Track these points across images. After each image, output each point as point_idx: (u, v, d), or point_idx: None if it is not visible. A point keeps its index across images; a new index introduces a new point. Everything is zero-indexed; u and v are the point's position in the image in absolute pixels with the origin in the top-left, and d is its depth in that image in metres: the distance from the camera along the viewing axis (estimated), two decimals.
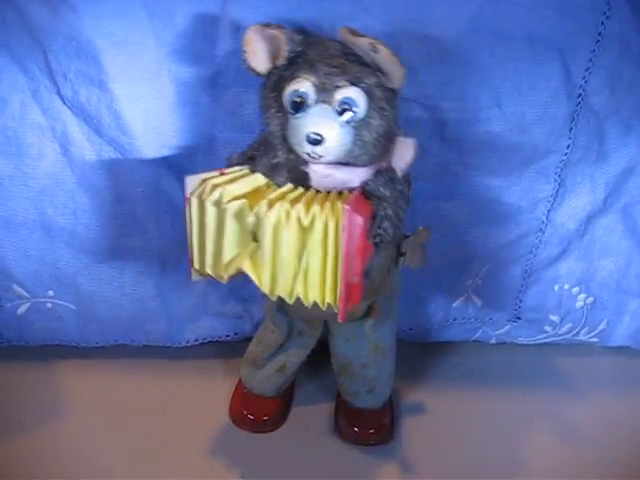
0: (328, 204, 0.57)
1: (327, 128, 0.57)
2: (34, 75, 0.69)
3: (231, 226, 0.59)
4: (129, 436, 0.78)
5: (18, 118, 0.71)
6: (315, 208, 0.57)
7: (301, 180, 0.61)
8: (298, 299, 0.61)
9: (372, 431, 0.79)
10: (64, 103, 0.71)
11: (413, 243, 0.67)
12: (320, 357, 0.78)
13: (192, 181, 0.61)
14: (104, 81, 0.69)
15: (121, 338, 0.85)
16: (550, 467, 0.79)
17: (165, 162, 0.74)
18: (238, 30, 0.67)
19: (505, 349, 0.93)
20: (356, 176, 0.61)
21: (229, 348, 0.88)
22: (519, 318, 0.90)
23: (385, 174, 0.61)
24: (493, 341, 0.93)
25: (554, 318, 0.90)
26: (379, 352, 0.76)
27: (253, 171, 0.63)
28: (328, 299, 0.60)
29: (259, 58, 0.59)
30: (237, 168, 0.63)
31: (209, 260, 0.62)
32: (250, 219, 0.58)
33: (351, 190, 0.60)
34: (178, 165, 0.74)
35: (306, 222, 0.57)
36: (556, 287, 0.87)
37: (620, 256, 0.86)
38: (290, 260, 0.58)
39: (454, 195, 0.79)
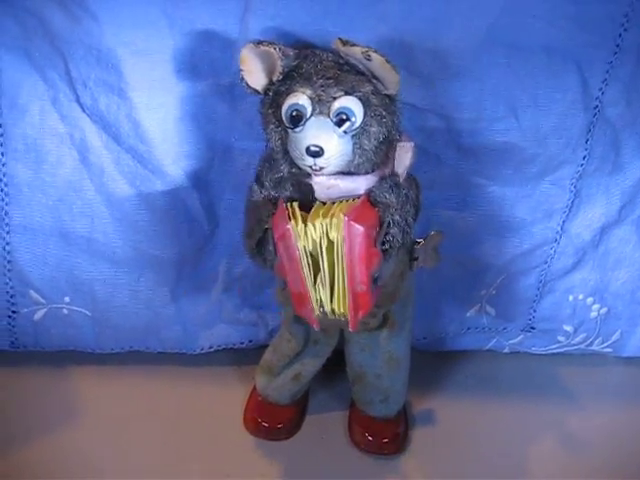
0: (328, 217, 0.58)
1: (326, 139, 0.58)
2: (54, 83, 0.70)
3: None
4: (143, 443, 0.78)
5: (37, 125, 0.71)
6: (318, 220, 0.58)
7: (306, 193, 0.62)
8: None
9: (386, 440, 0.79)
10: (83, 111, 0.71)
11: (425, 247, 0.67)
12: (335, 366, 0.78)
13: (292, 229, 0.59)
14: (124, 89, 0.69)
15: (136, 345, 0.85)
16: (564, 476, 0.79)
17: (182, 170, 0.74)
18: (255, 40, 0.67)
19: (518, 359, 0.93)
20: (360, 184, 0.61)
21: (243, 355, 0.87)
22: (533, 328, 0.90)
23: (389, 180, 0.62)
24: (506, 350, 0.92)
25: (568, 328, 0.89)
26: (393, 362, 0.76)
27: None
28: (339, 309, 0.61)
29: (255, 76, 0.60)
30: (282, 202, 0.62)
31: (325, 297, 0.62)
32: (310, 244, 0.59)
33: (357, 198, 0.60)
34: (195, 173, 0.75)
35: (316, 236, 0.58)
36: (570, 297, 0.87)
37: (634, 267, 0.86)
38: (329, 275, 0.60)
39: (469, 205, 0.79)
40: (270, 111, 0.60)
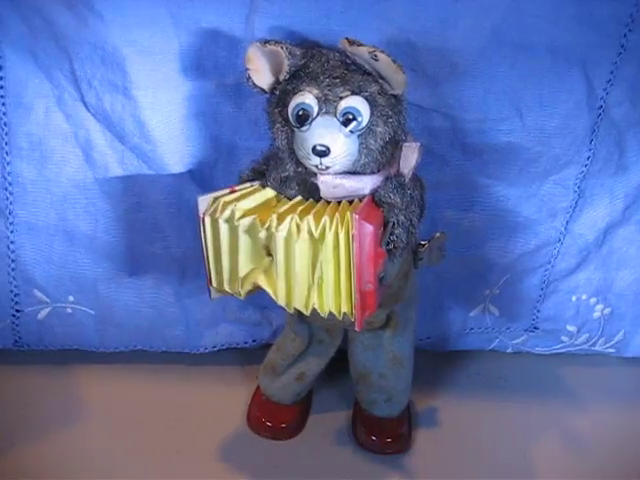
0: (338, 214, 0.58)
1: (332, 139, 0.58)
2: (59, 82, 0.70)
3: (244, 242, 0.60)
4: (146, 442, 0.78)
5: (42, 124, 0.72)
6: (325, 219, 0.57)
7: (311, 192, 0.62)
8: (315, 310, 0.61)
9: (390, 440, 0.79)
10: (88, 110, 0.71)
11: (430, 249, 0.67)
12: (338, 365, 0.79)
13: (204, 201, 0.62)
14: (128, 89, 0.69)
15: (140, 344, 0.85)
16: (567, 476, 0.79)
17: (187, 170, 0.74)
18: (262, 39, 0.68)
19: (522, 359, 0.93)
20: (365, 184, 0.61)
21: (247, 355, 0.88)
22: (536, 328, 0.90)
23: (394, 180, 0.61)
24: (510, 350, 0.92)
25: (571, 328, 0.89)
26: (397, 362, 0.76)
27: (263, 186, 0.64)
28: (344, 308, 0.60)
29: (262, 75, 0.60)
30: (248, 184, 0.64)
31: (226, 277, 0.63)
32: (262, 234, 0.59)
33: (361, 199, 0.61)
34: (200, 173, 0.75)
35: (317, 234, 0.57)
36: (574, 297, 0.87)
37: (638, 267, 0.86)
38: (304, 272, 0.59)
39: (473, 205, 0.79)
40: (276, 110, 0.60)
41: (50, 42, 0.67)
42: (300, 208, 0.59)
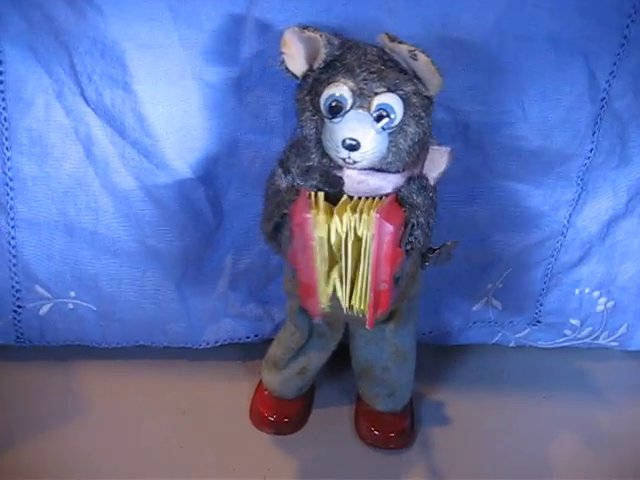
0: (357, 212, 0.58)
1: (364, 134, 0.57)
2: (59, 77, 0.70)
3: (325, 249, 0.60)
4: (149, 437, 0.78)
5: (42, 119, 0.71)
6: (346, 216, 0.57)
7: (333, 184, 0.61)
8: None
9: (392, 434, 0.79)
10: (88, 105, 0.71)
11: (439, 253, 0.67)
12: (341, 360, 0.79)
13: (311, 218, 0.59)
14: (128, 83, 0.69)
15: (141, 339, 0.85)
16: (569, 470, 0.79)
17: (188, 164, 0.74)
18: (263, 32, 0.67)
19: (525, 352, 0.93)
20: (389, 182, 0.60)
21: (249, 350, 0.88)
22: (539, 322, 0.89)
23: (418, 181, 0.61)
24: (513, 344, 0.92)
25: (574, 322, 0.89)
26: (400, 355, 0.75)
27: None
28: (357, 305, 0.60)
29: (296, 60, 0.59)
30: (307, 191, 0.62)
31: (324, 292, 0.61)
32: (333, 237, 0.59)
33: (384, 197, 0.60)
34: (201, 167, 0.74)
35: (342, 231, 0.57)
36: (577, 291, 0.87)
37: None
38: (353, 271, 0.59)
39: (476, 198, 0.79)
40: (307, 98, 0.59)
41: (50, 37, 0.67)
42: (340, 206, 0.59)
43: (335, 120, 0.57)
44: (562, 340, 0.92)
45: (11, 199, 0.75)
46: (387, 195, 0.60)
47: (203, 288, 0.83)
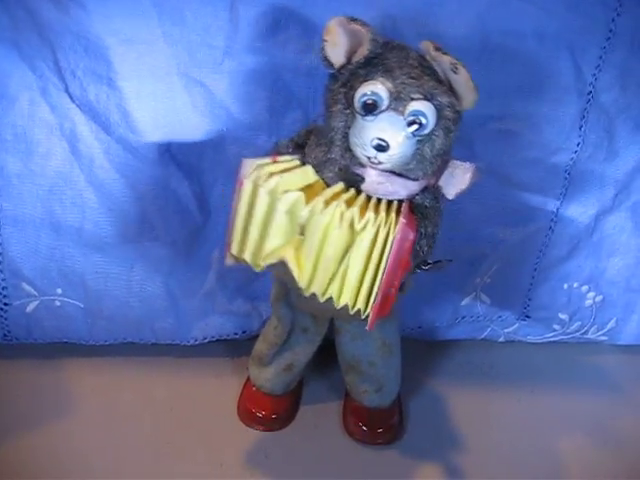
0: (382, 213, 0.57)
1: (394, 136, 0.56)
2: (43, 73, 0.69)
3: (281, 217, 0.58)
4: (137, 434, 0.78)
5: (27, 116, 0.71)
6: (370, 214, 0.56)
7: (350, 180, 0.60)
8: (314, 296, 0.60)
9: (380, 430, 0.79)
10: (72, 101, 0.70)
11: (431, 268, 0.66)
12: (329, 355, 0.78)
13: (247, 164, 0.59)
14: (113, 79, 0.68)
15: (129, 336, 0.85)
16: (559, 463, 0.79)
17: (174, 160, 0.74)
18: (248, 27, 0.67)
19: (514, 347, 0.93)
20: (406, 189, 0.60)
21: (237, 346, 0.87)
22: (528, 316, 0.90)
23: (432, 191, 0.61)
24: (502, 339, 0.92)
25: (563, 316, 0.89)
26: (386, 349, 0.75)
27: (303, 162, 0.62)
28: (359, 305, 0.59)
29: (337, 51, 0.58)
30: (288, 157, 0.62)
31: (250, 247, 0.60)
32: (303, 213, 0.57)
33: (399, 201, 0.59)
34: (187, 163, 0.74)
35: (359, 227, 0.56)
36: (565, 285, 0.87)
37: (629, 254, 0.86)
38: (333, 260, 0.58)
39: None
40: (342, 90, 0.58)
41: (33, 33, 0.67)
42: (345, 197, 0.58)
43: (368, 118, 0.56)
44: (551, 335, 0.92)
45: None
46: (399, 200, 0.59)
47: (190, 284, 0.82)
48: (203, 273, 0.82)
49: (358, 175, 0.59)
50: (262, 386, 0.80)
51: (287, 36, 0.68)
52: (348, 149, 0.59)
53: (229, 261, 0.63)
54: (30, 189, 0.74)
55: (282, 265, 0.59)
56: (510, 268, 0.85)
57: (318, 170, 0.61)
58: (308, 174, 0.60)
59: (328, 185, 0.60)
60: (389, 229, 0.56)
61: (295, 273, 0.58)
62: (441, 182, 0.61)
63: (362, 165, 0.59)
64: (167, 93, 0.70)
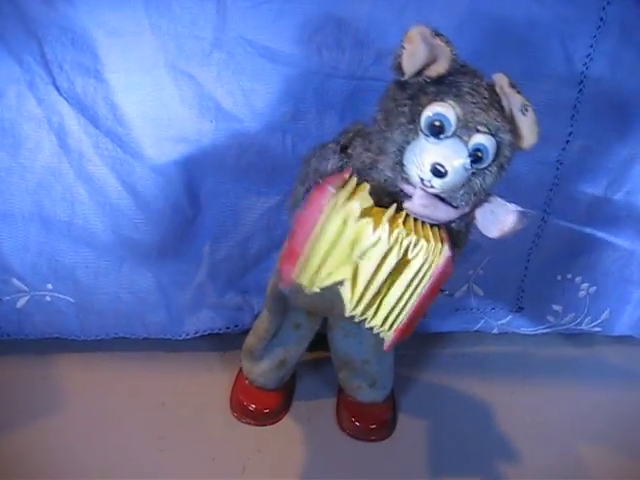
0: (432, 241, 0.55)
1: (454, 165, 0.54)
2: (30, 66, 0.69)
3: (347, 242, 0.56)
4: (129, 429, 0.78)
5: (14, 109, 0.70)
6: (423, 243, 0.55)
7: (393, 194, 0.58)
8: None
9: (374, 426, 0.80)
10: (60, 94, 0.70)
11: None
12: (322, 351, 0.78)
13: (330, 191, 0.55)
14: (100, 71, 0.68)
15: (120, 331, 0.84)
16: (552, 454, 0.79)
17: (163, 153, 0.73)
18: (236, 18, 0.67)
19: (507, 339, 0.93)
20: (447, 215, 0.58)
21: (229, 341, 0.87)
22: (521, 308, 0.89)
23: (465, 219, 0.60)
24: (495, 331, 0.92)
25: (557, 308, 0.89)
26: (379, 348, 0.74)
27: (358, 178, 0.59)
28: (385, 327, 0.59)
29: (414, 61, 0.53)
30: (347, 176, 0.59)
31: (310, 270, 0.58)
32: (370, 241, 0.55)
33: (438, 226, 0.58)
34: (176, 156, 0.74)
35: (411, 255, 0.55)
36: (559, 276, 0.87)
37: (622, 245, 0.85)
38: (381, 285, 0.57)
39: None
40: (408, 102, 0.55)
41: (19, 26, 0.66)
42: (400, 221, 0.56)
43: (432, 140, 0.54)
44: (545, 326, 0.92)
45: None
46: (438, 225, 0.58)
47: (181, 278, 0.82)
48: (194, 267, 0.82)
49: (401, 191, 0.57)
50: (255, 380, 0.79)
51: (275, 27, 0.68)
52: (400, 163, 0.56)
53: (287, 285, 0.60)
54: (19, 183, 0.74)
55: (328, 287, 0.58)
56: (503, 260, 0.85)
57: (360, 174, 0.59)
58: (366, 198, 0.57)
59: (370, 194, 0.57)
60: (434, 258, 0.55)
61: (348, 294, 0.58)
62: (478, 215, 0.59)
63: (408, 182, 0.57)
64: (155, 85, 0.70)
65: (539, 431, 0.82)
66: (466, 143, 0.54)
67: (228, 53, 0.69)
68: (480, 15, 0.68)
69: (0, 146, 0.72)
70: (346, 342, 0.75)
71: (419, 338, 0.91)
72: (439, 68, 0.54)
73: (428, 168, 0.54)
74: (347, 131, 0.62)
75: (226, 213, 0.78)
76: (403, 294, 0.57)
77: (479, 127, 0.54)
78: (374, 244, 0.55)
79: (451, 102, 0.54)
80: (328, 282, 0.57)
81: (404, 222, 0.56)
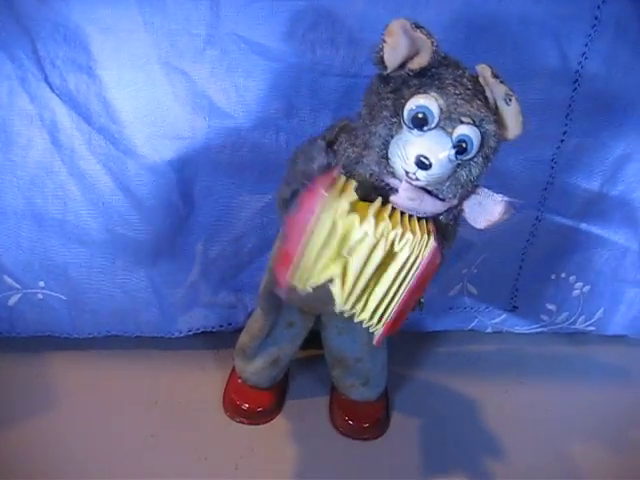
0: (419, 233, 0.55)
1: (439, 156, 0.54)
2: (22, 62, 0.68)
3: (337, 239, 0.56)
4: (121, 427, 0.77)
5: (6, 106, 0.70)
6: (409, 235, 0.54)
7: (379, 188, 0.58)
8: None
9: (367, 425, 0.79)
10: (52, 91, 0.70)
11: None
12: (316, 349, 0.78)
13: (322, 194, 0.55)
14: (92, 68, 0.68)
15: (113, 329, 0.84)
16: (546, 454, 0.79)
17: (156, 151, 0.73)
18: (230, 14, 0.67)
19: (501, 338, 0.93)
20: (434, 207, 0.58)
21: (222, 339, 0.86)
22: (515, 307, 0.89)
23: (454, 212, 0.60)
24: (489, 330, 0.92)
25: (551, 307, 0.89)
26: (372, 344, 0.74)
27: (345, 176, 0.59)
28: (374, 321, 0.59)
29: (396, 54, 0.53)
30: (336, 173, 0.58)
31: (304, 272, 0.57)
32: (357, 237, 0.55)
33: (425, 219, 0.58)
34: (169, 154, 0.73)
35: (398, 247, 0.55)
36: (553, 275, 0.87)
37: (616, 244, 0.86)
38: (369, 279, 0.57)
39: None
40: (391, 96, 0.55)
41: (11, 22, 0.66)
42: (386, 215, 0.56)
43: (415, 132, 0.54)
44: (539, 325, 0.92)
45: None
46: (425, 218, 0.58)
47: (174, 276, 0.82)
48: (187, 265, 0.82)
49: (387, 184, 0.57)
50: (248, 379, 0.79)
51: (269, 24, 0.67)
52: (385, 157, 0.56)
53: (284, 290, 0.59)
54: (11, 180, 0.73)
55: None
56: (497, 258, 0.85)
57: (347, 169, 0.59)
58: (352, 194, 0.57)
59: (356, 190, 0.57)
60: (420, 251, 0.55)
61: (338, 291, 0.57)
62: (466, 207, 0.59)
63: (394, 176, 0.57)
64: (148, 82, 0.69)
65: (533, 430, 0.82)
66: (450, 134, 0.54)
67: (222, 50, 0.69)
68: (475, 13, 0.68)
69: None
70: (339, 340, 0.75)
71: (413, 336, 0.91)
72: (421, 61, 0.54)
73: (412, 160, 0.54)
74: (333, 127, 0.62)
75: (219, 211, 0.78)
76: (391, 287, 0.57)
77: (463, 118, 0.54)
78: (361, 239, 0.55)
79: (434, 94, 0.54)
80: (320, 281, 0.57)
81: (391, 216, 0.56)
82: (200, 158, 0.74)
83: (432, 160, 0.54)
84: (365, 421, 0.79)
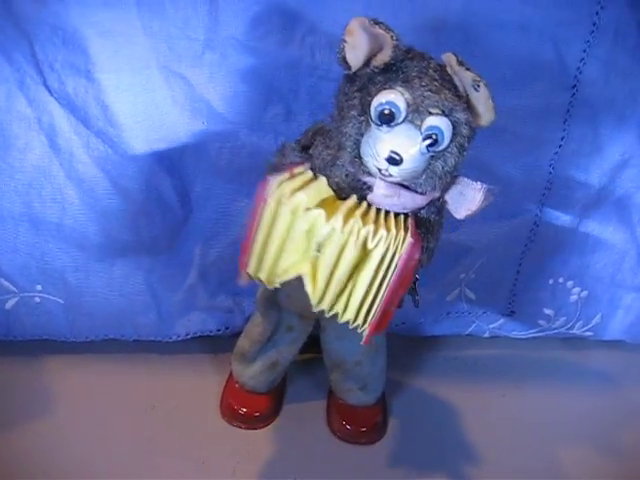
0: (393, 230, 0.55)
1: (409, 151, 0.54)
2: (20, 66, 0.68)
3: (301, 235, 0.56)
4: (118, 431, 0.77)
5: (4, 109, 0.70)
6: (382, 232, 0.54)
7: (356, 188, 0.58)
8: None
9: (364, 429, 0.79)
10: (51, 94, 0.69)
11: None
12: (314, 353, 0.78)
13: (270, 182, 0.56)
14: (91, 72, 0.67)
15: (111, 333, 0.84)
16: (543, 459, 0.79)
17: (154, 155, 0.73)
18: (229, 19, 0.67)
19: (499, 343, 0.93)
20: (413, 202, 0.58)
21: (219, 343, 0.86)
22: (513, 312, 0.89)
23: (437, 205, 0.59)
24: (487, 335, 0.92)
25: (548, 312, 0.89)
26: (372, 348, 0.75)
27: (313, 170, 0.59)
28: (359, 321, 0.59)
29: (357, 53, 0.54)
30: (302, 169, 0.59)
31: (266, 265, 0.58)
32: (323, 232, 0.55)
33: (405, 215, 0.58)
34: (167, 158, 0.73)
35: (371, 245, 0.55)
36: (550, 280, 0.87)
37: (614, 249, 0.85)
38: (344, 278, 0.56)
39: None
40: (357, 94, 0.55)
41: (9, 24, 0.66)
42: (358, 212, 0.56)
43: (383, 129, 0.54)
44: (536, 330, 0.92)
45: None
46: (405, 214, 0.58)
47: (172, 280, 0.81)
48: (185, 269, 0.81)
49: (365, 183, 0.57)
50: (245, 383, 0.79)
51: (268, 29, 0.67)
52: (358, 156, 0.56)
53: (244, 280, 0.61)
54: (8, 184, 0.73)
55: (292, 282, 0.57)
56: (495, 263, 0.85)
57: (324, 173, 0.58)
58: (323, 188, 0.58)
59: (334, 190, 0.58)
60: (397, 247, 0.55)
61: (310, 289, 0.57)
62: (448, 199, 0.59)
63: (370, 174, 0.57)
64: (146, 86, 0.69)
65: (530, 434, 0.82)
66: (419, 127, 0.54)
67: (220, 54, 0.69)
68: (473, 18, 0.68)
69: None
70: (339, 343, 0.74)
71: (410, 341, 0.91)
72: (383, 57, 0.54)
73: (383, 157, 0.54)
74: (307, 131, 0.62)
75: (217, 215, 0.78)
76: (371, 286, 0.57)
77: (431, 109, 0.53)
78: (329, 236, 0.55)
79: (399, 88, 0.53)
80: (286, 277, 0.58)
81: (366, 213, 0.56)
82: (198, 162, 0.75)
83: (403, 155, 0.54)
84: (362, 425, 0.79)
